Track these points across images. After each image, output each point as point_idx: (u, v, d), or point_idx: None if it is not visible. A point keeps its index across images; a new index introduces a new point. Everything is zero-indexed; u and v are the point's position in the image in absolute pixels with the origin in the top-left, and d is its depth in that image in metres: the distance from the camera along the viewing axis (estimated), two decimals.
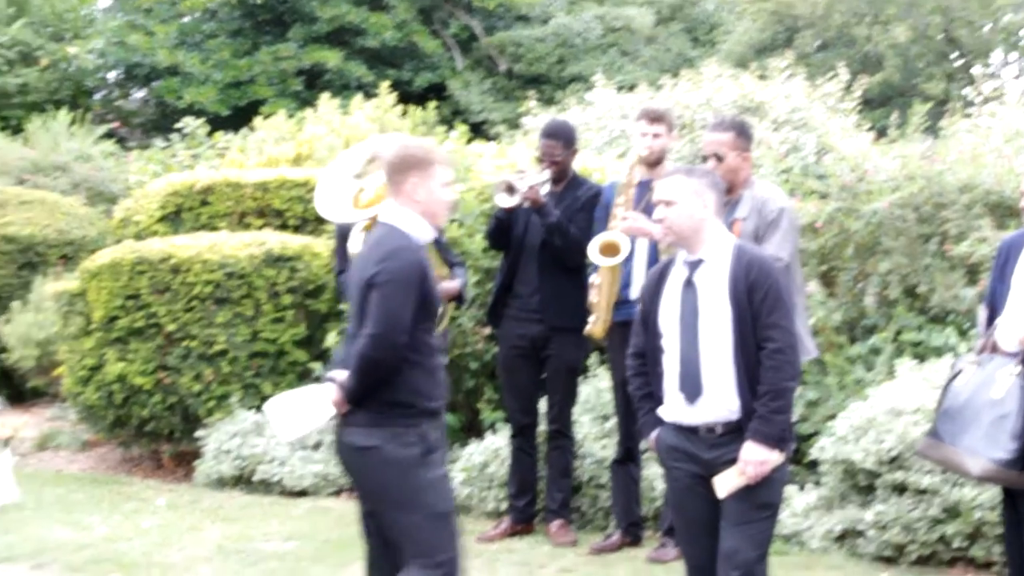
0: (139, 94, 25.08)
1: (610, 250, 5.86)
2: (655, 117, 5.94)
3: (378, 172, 6.17)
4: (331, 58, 22.07)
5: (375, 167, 6.15)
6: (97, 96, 24.15)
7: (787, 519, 5.89)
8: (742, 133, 5.34)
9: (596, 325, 5.96)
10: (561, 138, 6.23)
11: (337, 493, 7.23)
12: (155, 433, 7.76)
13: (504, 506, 6.49)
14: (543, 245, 6.13)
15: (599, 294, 5.91)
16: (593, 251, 5.87)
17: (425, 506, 3.99)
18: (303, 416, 4.20)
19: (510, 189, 6.09)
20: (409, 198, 4.10)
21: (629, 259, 5.83)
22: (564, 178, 6.24)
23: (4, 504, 7.00)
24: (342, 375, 4.04)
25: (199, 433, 7.53)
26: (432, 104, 13.19)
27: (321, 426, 4.18)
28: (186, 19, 24.09)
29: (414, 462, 3.99)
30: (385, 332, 3.93)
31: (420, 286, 3.99)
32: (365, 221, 6.17)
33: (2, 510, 6.91)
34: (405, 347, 3.95)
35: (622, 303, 5.86)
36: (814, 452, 5.94)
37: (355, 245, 6.22)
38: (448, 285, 5.86)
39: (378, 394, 3.99)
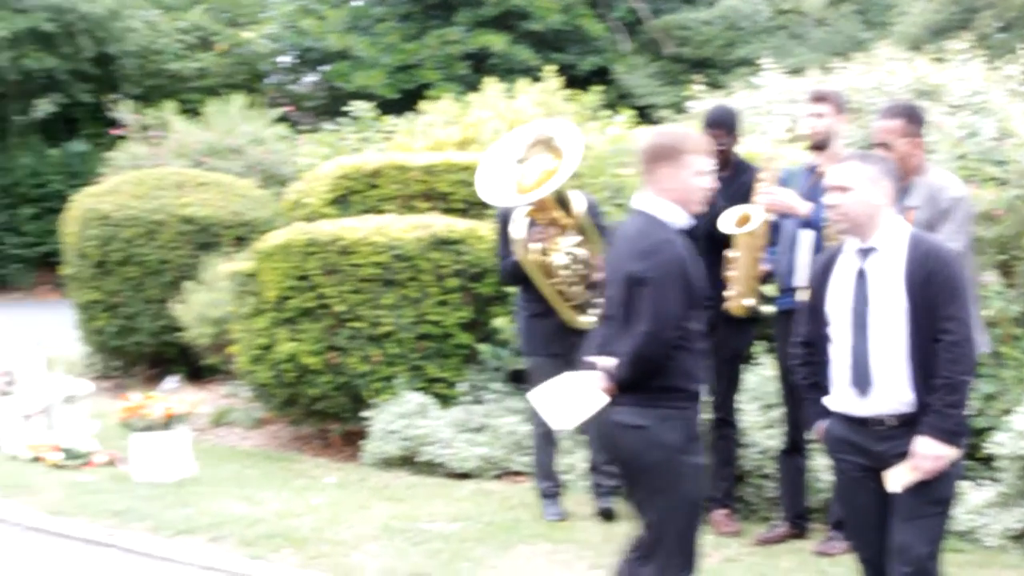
0: (310, 78, 25.60)
1: (744, 222, 5.83)
2: (819, 97, 5.83)
3: (540, 156, 6.20)
4: (497, 42, 22.20)
5: (537, 151, 6.18)
6: (270, 80, 24.74)
7: (961, 515, 5.72)
8: (912, 119, 5.20)
9: (734, 300, 5.91)
10: (724, 126, 6.17)
11: (500, 476, 7.29)
12: (324, 412, 7.92)
13: None
14: (708, 235, 6.07)
15: (736, 267, 5.86)
16: (727, 222, 5.83)
17: (683, 492, 4.07)
18: (574, 405, 4.25)
19: None
20: (661, 187, 4.15)
21: (792, 247, 5.74)
22: (728, 165, 6.17)
23: (183, 478, 7.24)
24: (607, 362, 4.10)
25: (366, 413, 7.66)
26: (597, 88, 13.14)
27: (592, 414, 4.23)
28: (356, 4, 24.49)
29: (679, 446, 4.06)
30: (658, 330, 4.01)
31: (686, 278, 4.07)
32: (528, 206, 6.21)
33: (180, 484, 7.14)
34: (676, 338, 4.03)
35: (786, 291, 5.78)
36: (990, 447, 5.76)
37: (517, 230, 6.25)
38: None
39: (649, 380, 4.06)
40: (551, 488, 6.54)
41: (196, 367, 10.03)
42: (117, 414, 7.50)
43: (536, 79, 12.37)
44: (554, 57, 21.21)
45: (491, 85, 11.73)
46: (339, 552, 5.90)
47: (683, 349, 4.06)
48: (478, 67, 22.13)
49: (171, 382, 7.93)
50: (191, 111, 15.73)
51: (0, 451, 7.87)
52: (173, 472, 7.25)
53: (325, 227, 7.94)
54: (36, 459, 7.62)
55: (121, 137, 13.76)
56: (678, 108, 14.99)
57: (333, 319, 7.72)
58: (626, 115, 10.51)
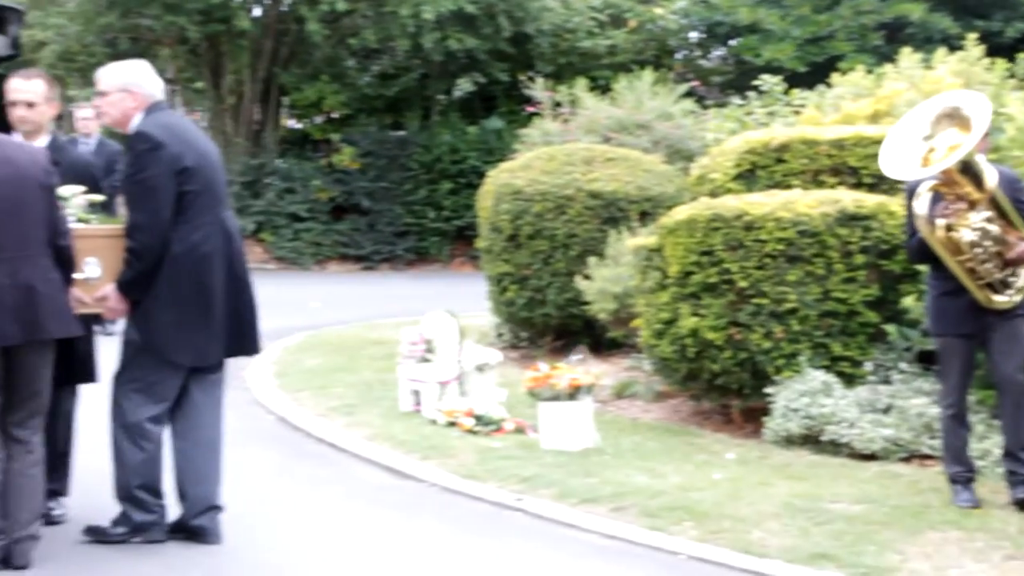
0: (718, 52, 25.49)
1: None
2: None
3: (948, 131, 5.91)
4: (914, 10, 21.31)
5: (944, 125, 5.89)
6: (679, 56, 24.82)
7: None
8: None
9: None
10: None
11: (908, 459, 7.03)
12: (725, 388, 7.89)
13: None
14: None
15: None
16: None
17: None
18: None
19: None
20: None
21: None
22: None
23: (586, 448, 7.41)
24: None
25: (768, 390, 7.58)
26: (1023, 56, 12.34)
27: None
28: None
29: None
30: None
31: None
32: (932, 180, 5.93)
33: (585, 453, 7.32)
34: None
35: None
36: None
37: (920, 205, 5.99)
38: None
39: None
40: (962, 474, 6.24)
41: (600, 340, 10.24)
42: (524, 383, 7.77)
43: (955, 48, 11.78)
44: (976, 24, 20.12)
45: (906, 56, 11.27)
46: (739, 528, 5.88)
47: None
48: (893, 37, 21.33)
49: (577, 354, 8.12)
50: (601, 88, 16.02)
51: (421, 415, 8.34)
52: (578, 442, 7.43)
53: (730, 202, 7.90)
54: (451, 424, 8.01)
55: (535, 114, 14.20)
56: None
57: (736, 295, 7.67)
58: None
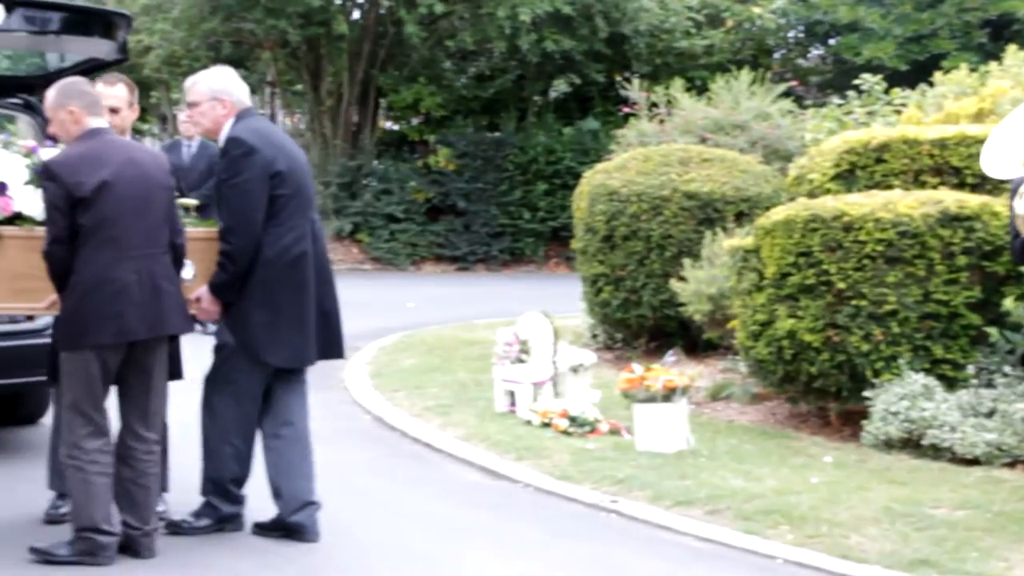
0: (817, 51, 25.21)
1: None
2: None
3: None
4: (1021, 7, 20.87)
5: None
6: (776, 55, 24.59)
7: None
8: None
9: None
10: None
11: (1012, 464, 6.89)
12: (822, 390, 7.79)
13: None
14: None
15: None
16: None
17: None
18: None
19: None
20: None
21: None
22: None
23: (681, 450, 7.37)
24: None
25: (867, 393, 7.47)
26: None
27: None
28: None
29: None
30: None
31: None
32: None
33: (679, 455, 7.28)
34: None
35: None
36: None
37: (1021, 205, 5.86)
38: None
39: None
40: None
41: (695, 341, 10.18)
42: (619, 384, 7.74)
43: None
44: None
45: (1012, 54, 11.05)
46: (837, 533, 5.80)
47: None
48: (998, 35, 20.93)
49: (671, 355, 8.08)
50: (697, 88, 15.92)
51: (515, 416, 8.35)
52: (672, 443, 7.39)
53: (828, 203, 7.80)
54: (545, 425, 8.01)
55: (631, 115, 14.16)
56: None
57: (834, 296, 7.58)
58: None
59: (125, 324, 5.26)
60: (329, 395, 9.56)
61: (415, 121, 24.13)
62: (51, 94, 5.44)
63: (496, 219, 21.81)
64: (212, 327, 8.07)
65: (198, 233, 5.69)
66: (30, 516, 6.01)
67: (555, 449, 7.48)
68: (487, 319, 12.91)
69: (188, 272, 5.63)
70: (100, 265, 5.23)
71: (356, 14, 22.13)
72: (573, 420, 7.95)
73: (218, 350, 5.82)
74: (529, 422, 8.13)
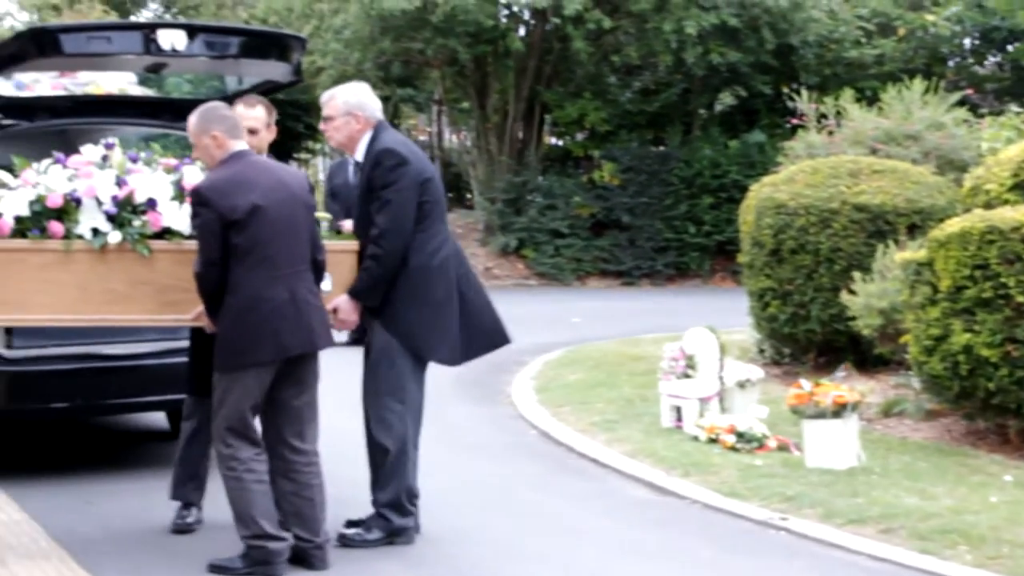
0: (994, 59, 24.49)
1: None
2: None
3: None
4: None
5: None
6: (951, 63, 23.96)
7: None
8: None
9: None
10: None
11: None
12: (1001, 407, 7.55)
13: None
14: None
15: None
16: None
17: None
18: None
19: None
20: None
21: None
22: None
23: (852, 467, 7.23)
24: None
25: None
26: None
27: None
28: None
29: None
30: None
31: None
32: None
33: (851, 473, 7.14)
34: None
35: None
36: None
37: None
38: None
39: None
40: None
41: (865, 356, 9.96)
42: (787, 400, 7.63)
43: None
44: None
45: None
46: (1019, 554, 5.62)
47: None
48: None
49: (841, 371, 7.93)
50: (867, 98, 15.61)
51: (682, 432, 8.30)
52: (843, 460, 7.25)
53: (1007, 214, 7.57)
54: (712, 441, 7.94)
55: (799, 127, 13.95)
56: None
57: (1013, 310, 7.34)
58: None
59: (281, 342, 5.41)
60: (495, 410, 9.66)
61: (580, 136, 24.19)
62: (193, 120, 5.64)
63: (661, 233, 21.71)
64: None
65: (333, 246, 5.88)
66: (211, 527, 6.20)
67: (722, 465, 7.41)
68: (652, 334, 12.85)
69: (327, 284, 5.81)
70: (254, 286, 5.39)
71: (521, 30, 22.29)
72: (740, 436, 7.86)
73: (378, 362, 5.94)
74: (696, 438, 8.07)
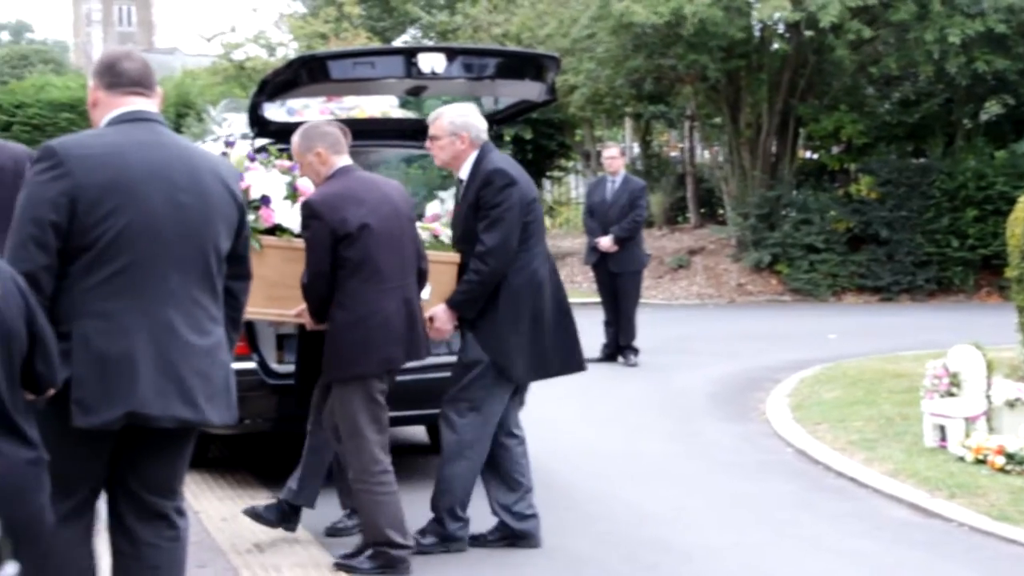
0: None
1: None
2: None
3: None
4: None
5: None
6: None
7: None
8: None
9: None
10: None
11: None
12: None
13: None
14: None
15: None
16: None
17: None
18: None
19: None
20: None
21: None
22: None
23: None
24: None
25: None
26: None
27: None
28: None
29: None
30: None
31: None
32: None
33: None
34: None
35: None
36: None
37: None
38: None
39: None
40: None
41: None
42: None
43: None
44: None
45: None
46: None
47: None
48: None
49: None
50: None
51: (946, 452, 8.02)
52: None
53: None
54: (980, 462, 7.65)
55: None
56: None
57: None
58: None
59: (390, 353, 5.64)
60: (749, 427, 9.56)
61: (835, 150, 23.68)
62: (296, 140, 5.89)
63: (921, 248, 21.01)
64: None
65: (435, 256, 6.11)
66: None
67: (991, 487, 7.12)
68: (913, 351, 12.45)
69: (425, 293, 5.99)
70: (366, 298, 5.59)
71: (775, 44, 22.00)
72: (1011, 457, 7.54)
73: (465, 369, 6.09)
74: (961, 458, 7.78)
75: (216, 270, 4.00)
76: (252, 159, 6.22)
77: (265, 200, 6.04)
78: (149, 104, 4.01)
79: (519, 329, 6.00)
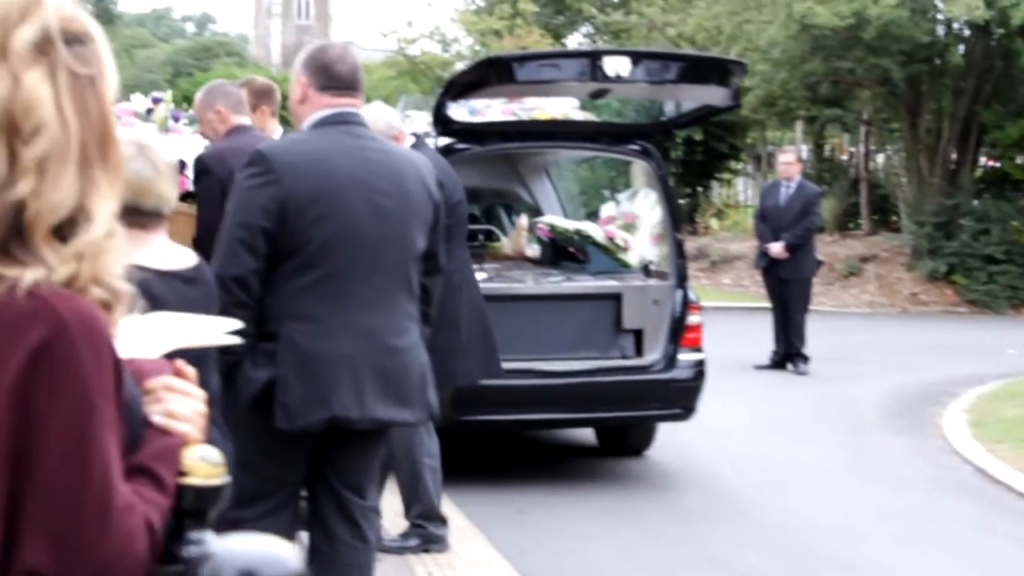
0: None
1: None
2: None
3: None
4: None
5: None
6: None
7: None
8: None
9: None
10: None
11: None
12: None
13: None
14: None
15: None
16: None
17: None
18: None
19: None
20: None
21: None
22: None
23: None
24: None
25: None
26: None
27: None
28: None
29: None
30: None
31: None
32: None
33: None
34: None
35: None
36: None
37: None
38: None
39: None
40: None
41: None
42: None
43: None
44: None
45: None
46: None
47: None
48: None
49: None
50: None
51: None
52: None
53: None
54: None
55: None
56: None
57: None
58: None
59: None
60: (926, 443, 9.34)
61: (1020, 159, 22.96)
62: (198, 97, 5.80)
63: None
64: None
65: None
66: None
67: None
68: None
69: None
70: None
71: (961, 48, 21.41)
72: None
73: None
74: None
75: (413, 270, 4.07)
76: (177, 119, 6.18)
77: (181, 165, 5.92)
78: (355, 105, 4.09)
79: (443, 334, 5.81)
